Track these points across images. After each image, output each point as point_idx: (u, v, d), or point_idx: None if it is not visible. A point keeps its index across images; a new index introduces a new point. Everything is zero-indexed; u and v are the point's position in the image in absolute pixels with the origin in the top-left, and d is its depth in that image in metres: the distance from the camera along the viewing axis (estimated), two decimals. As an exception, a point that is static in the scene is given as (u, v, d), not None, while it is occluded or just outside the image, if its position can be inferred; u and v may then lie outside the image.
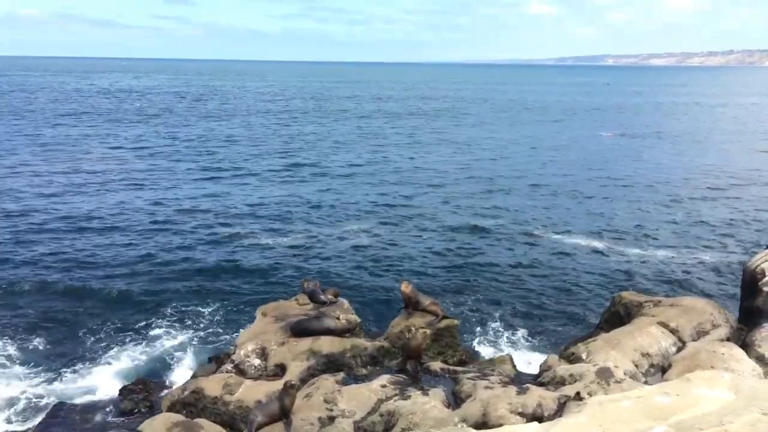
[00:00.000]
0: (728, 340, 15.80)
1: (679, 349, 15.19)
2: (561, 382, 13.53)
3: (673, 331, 16.01)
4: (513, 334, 20.62)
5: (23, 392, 17.18)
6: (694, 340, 15.64)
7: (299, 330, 16.04)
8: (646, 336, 15.54)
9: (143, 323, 21.38)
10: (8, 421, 15.86)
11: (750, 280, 17.53)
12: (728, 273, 26.24)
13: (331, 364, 15.23)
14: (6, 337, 20.18)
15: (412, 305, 17.41)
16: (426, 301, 17.61)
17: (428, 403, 12.34)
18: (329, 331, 16.09)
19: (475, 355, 17.73)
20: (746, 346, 15.29)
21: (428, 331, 15.11)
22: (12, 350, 19.45)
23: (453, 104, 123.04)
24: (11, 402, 16.63)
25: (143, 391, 16.86)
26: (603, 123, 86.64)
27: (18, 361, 18.83)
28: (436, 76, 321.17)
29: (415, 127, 79.77)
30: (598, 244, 30.11)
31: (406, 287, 17.49)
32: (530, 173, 48.28)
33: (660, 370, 14.69)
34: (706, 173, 48.61)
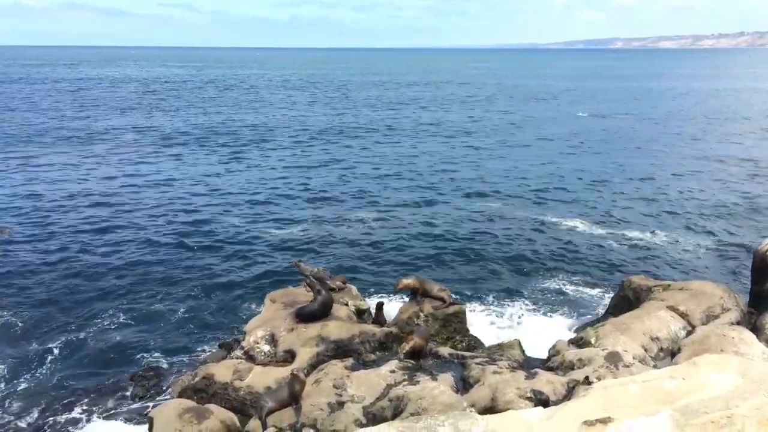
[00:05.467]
0: (738, 324, 15.75)
1: (689, 333, 15.15)
2: (570, 367, 13.56)
3: (683, 315, 15.96)
4: (521, 318, 20.63)
5: (33, 378, 17.38)
6: (703, 324, 15.59)
7: (303, 316, 16.15)
8: (656, 320, 15.51)
9: (152, 310, 21.54)
10: (17, 412, 16.03)
11: (760, 264, 17.46)
12: (738, 257, 26.09)
13: (339, 350, 15.32)
14: (15, 321, 20.42)
15: (420, 293, 17.50)
16: (434, 287, 17.69)
17: (437, 388, 12.41)
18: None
19: (483, 340, 17.74)
20: (756, 329, 15.26)
21: (415, 340, 14.83)
22: (18, 334, 19.69)
23: (456, 90, 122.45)
24: (21, 394, 16.80)
25: (154, 377, 17.07)
26: (607, 103, 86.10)
27: (25, 345, 19.03)
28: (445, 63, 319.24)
29: (421, 116, 79.49)
30: (605, 230, 29.98)
31: (409, 282, 17.45)
32: (532, 159, 48.08)
33: (669, 354, 14.67)
34: (715, 158, 48.21)
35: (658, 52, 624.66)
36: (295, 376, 12.83)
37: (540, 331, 19.46)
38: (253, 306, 21.35)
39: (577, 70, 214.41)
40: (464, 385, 13.49)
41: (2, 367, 17.87)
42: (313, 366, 14.63)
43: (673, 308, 16.14)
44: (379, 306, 17.62)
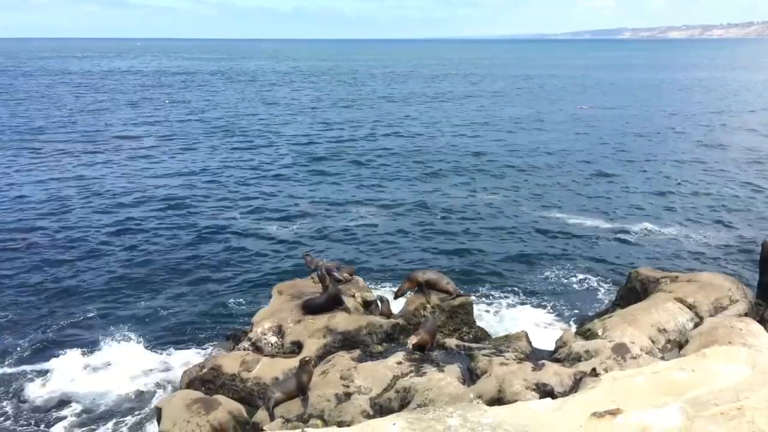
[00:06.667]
0: (746, 315, 15.67)
1: (697, 325, 15.07)
2: (577, 359, 13.53)
3: (691, 307, 15.89)
4: (528, 310, 20.62)
5: (40, 367, 17.50)
6: (711, 316, 15.52)
7: (311, 308, 16.17)
8: (663, 312, 15.44)
9: (160, 301, 21.64)
10: (24, 399, 16.15)
11: (769, 255, 17.33)
12: (747, 248, 25.96)
13: (347, 342, 15.34)
14: (24, 313, 20.55)
15: (429, 287, 17.48)
16: (442, 280, 17.67)
17: (443, 380, 12.39)
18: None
19: (490, 332, 17.73)
20: (764, 321, 15.19)
21: (421, 335, 14.67)
22: (29, 324, 19.83)
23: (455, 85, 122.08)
24: (29, 379, 16.94)
25: (162, 368, 17.13)
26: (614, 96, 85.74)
27: (36, 335, 19.15)
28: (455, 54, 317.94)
29: (426, 110, 79.27)
30: (613, 222, 29.88)
31: (418, 277, 17.41)
32: (538, 152, 47.86)
33: (677, 345, 14.61)
34: (726, 150, 47.91)
35: (668, 43, 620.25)
36: (305, 363, 12.83)
37: (547, 322, 19.47)
38: (260, 298, 21.40)
39: (584, 61, 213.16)
40: (471, 376, 13.48)
41: (12, 357, 18.01)
42: (321, 357, 14.65)
43: (680, 300, 16.07)
44: (382, 299, 17.74)
